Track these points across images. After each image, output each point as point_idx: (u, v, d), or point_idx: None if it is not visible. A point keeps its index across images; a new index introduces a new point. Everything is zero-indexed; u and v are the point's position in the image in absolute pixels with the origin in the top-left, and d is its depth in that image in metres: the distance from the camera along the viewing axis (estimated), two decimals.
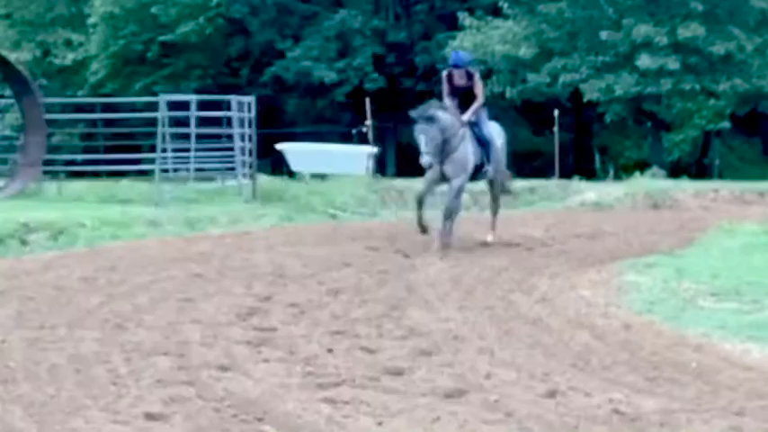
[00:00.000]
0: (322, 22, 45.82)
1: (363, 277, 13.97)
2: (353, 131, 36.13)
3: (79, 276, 13.56)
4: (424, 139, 16.10)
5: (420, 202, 16.83)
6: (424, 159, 16.13)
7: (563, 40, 41.25)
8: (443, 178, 16.76)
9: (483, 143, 17.01)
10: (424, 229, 16.89)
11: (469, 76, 17.07)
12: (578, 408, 7.75)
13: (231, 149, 28.57)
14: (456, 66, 17.09)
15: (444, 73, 17.19)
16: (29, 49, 46.76)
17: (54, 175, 28.13)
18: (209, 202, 24.83)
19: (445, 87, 17.09)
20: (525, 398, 8.00)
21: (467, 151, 16.77)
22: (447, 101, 16.96)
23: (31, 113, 26.58)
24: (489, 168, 17.28)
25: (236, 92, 32.55)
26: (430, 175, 16.69)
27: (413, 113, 16.29)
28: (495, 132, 17.62)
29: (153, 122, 27.32)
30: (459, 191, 16.93)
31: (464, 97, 16.99)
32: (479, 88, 17.01)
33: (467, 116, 16.83)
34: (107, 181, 29.02)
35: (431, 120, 16.19)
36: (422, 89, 46.81)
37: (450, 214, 16.76)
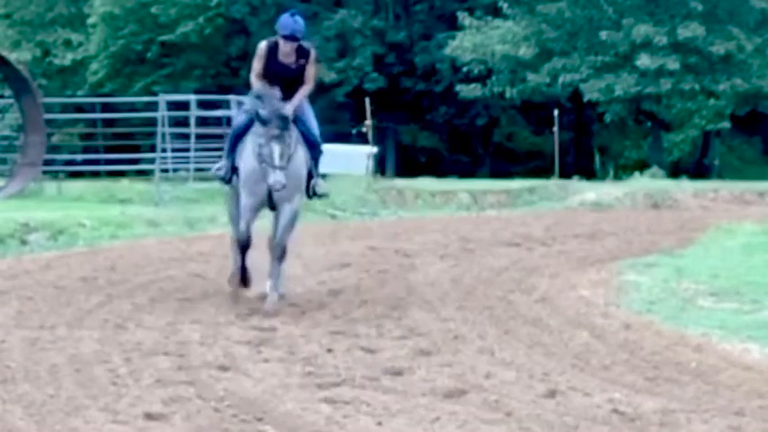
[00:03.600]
0: (322, 22, 45.83)
1: (363, 277, 13.96)
2: (353, 131, 36.13)
3: (79, 276, 13.56)
4: (279, 150, 11.10)
5: (246, 245, 11.60)
6: (278, 178, 11.04)
7: (563, 40, 41.28)
8: (268, 201, 11.60)
9: (311, 144, 11.76)
10: (245, 280, 11.91)
11: (303, 54, 11.71)
12: (578, 408, 7.75)
13: None
14: (290, 37, 11.52)
15: (265, 43, 11.81)
16: (29, 49, 46.78)
17: (54, 174, 28.16)
18: (209, 202, 24.82)
19: (259, 63, 11.77)
20: (525, 398, 8.00)
21: (301, 160, 11.58)
22: (256, 84, 11.71)
23: (31, 113, 26.59)
24: (319, 181, 11.98)
25: (236, 92, 32.57)
26: (249, 200, 11.53)
27: (260, 111, 11.27)
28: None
29: (153, 122, 27.35)
30: (295, 217, 11.77)
31: (284, 83, 11.63)
32: (312, 73, 11.75)
33: (290, 108, 11.43)
34: (107, 181, 29.03)
35: (284, 121, 11.27)
36: (422, 89, 46.84)
37: (282, 253, 11.70)
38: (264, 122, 11.19)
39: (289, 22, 11.55)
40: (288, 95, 11.50)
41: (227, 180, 11.81)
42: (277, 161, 11.03)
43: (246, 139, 11.53)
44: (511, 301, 12.38)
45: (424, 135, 48.12)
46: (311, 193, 11.83)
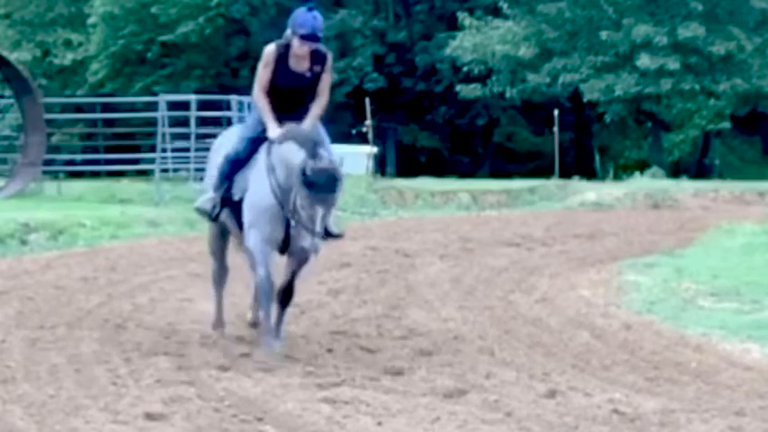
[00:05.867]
0: None
1: (363, 277, 13.96)
2: (353, 131, 36.14)
3: (79, 276, 13.56)
4: (322, 215, 8.93)
5: (272, 292, 9.50)
6: (314, 245, 9.08)
7: (563, 40, 41.29)
8: (284, 246, 9.46)
9: None
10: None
11: (318, 60, 9.59)
12: (578, 408, 7.75)
13: None
14: (310, 37, 9.47)
15: (274, 47, 9.60)
16: (29, 49, 46.78)
17: (54, 175, 28.16)
18: None
19: (266, 72, 9.56)
20: (525, 398, 8.00)
21: None
22: (259, 96, 9.60)
23: (31, 113, 26.60)
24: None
25: (236, 92, 32.56)
26: (265, 246, 9.42)
27: (307, 167, 8.88)
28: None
29: (153, 122, 27.38)
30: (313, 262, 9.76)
31: (293, 96, 9.63)
32: (327, 83, 9.68)
33: (307, 126, 9.46)
34: (107, 181, 29.04)
35: (336, 184, 8.97)
36: (422, 89, 46.85)
37: (290, 298, 9.64)
38: (312, 184, 8.83)
39: (307, 18, 9.47)
40: (297, 110, 9.55)
41: (213, 218, 9.78)
42: (318, 228, 8.92)
43: (254, 169, 9.47)
44: (511, 301, 12.38)
45: (423, 135, 48.11)
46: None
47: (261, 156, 9.49)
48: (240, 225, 9.57)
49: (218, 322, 10.28)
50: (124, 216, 20.32)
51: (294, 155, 9.04)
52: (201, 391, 7.96)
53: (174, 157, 28.22)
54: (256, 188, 9.40)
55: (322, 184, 8.86)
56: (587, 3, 40.70)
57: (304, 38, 9.43)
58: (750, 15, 40.60)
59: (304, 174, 8.87)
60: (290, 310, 9.88)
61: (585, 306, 12.07)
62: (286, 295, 9.55)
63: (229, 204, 9.63)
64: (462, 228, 21.01)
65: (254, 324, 10.01)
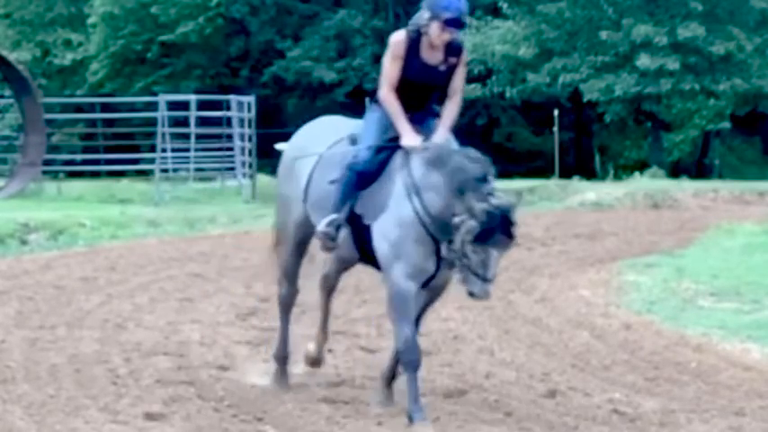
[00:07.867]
0: (322, 22, 45.84)
1: (363, 277, 13.94)
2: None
3: (79, 276, 13.56)
4: (496, 260, 7.57)
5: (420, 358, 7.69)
6: (487, 290, 7.46)
7: (563, 40, 41.27)
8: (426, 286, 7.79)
9: None
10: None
11: (453, 51, 7.82)
12: (578, 408, 7.76)
13: (231, 149, 28.65)
14: (455, 22, 7.71)
15: (404, 36, 7.83)
16: (29, 49, 46.74)
17: (54, 175, 28.17)
18: (209, 202, 24.84)
19: (395, 67, 7.79)
20: (525, 398, 8.01)
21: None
22: (388, 96, 7.80)
23: (31, 113, 26.61)
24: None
25: (236, 92, 32.53)
26: (411, 284, 7.68)
27: (478, 206, 7.51)
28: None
29: (153, 122, 27.39)
30: None
31: (420, 93, 7.91)
32: (462, 79, 7.98)
33: (442, 136, 7.79)
34: (106, 181, 29.05)
35: (509, 220, 7.74)
36: None
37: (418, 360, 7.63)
38: (485, 230, 7.45)
39: (450, 1, 7.65)
40: (421, 109, 7.91)
41: (335, 239, 7.91)
42: (491, 274, 7.43)
43: (389, 186, 7.73)
44: (511, 301, 12.38)
45: None
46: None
47: (395, 169, 7.76)
48: (359, 249, 8.00)
49: (281, 355, 8.46)
50: (124, 216, 20.33)
51: (452, 183, 7.48)
52: (201, 391, 7.96)
53: (173, 157, 28.23)
54: (397, 211, 7.66)
55: (497, 228, 7.50)
56: (587, 3, 40.68)
57: (448, 23, 7.66)
58: (750, 15, 40.59)
59: (476, 215, 7.42)
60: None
61: (585, 306, 12.07)
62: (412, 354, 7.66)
63: (351, 225, 7.89)
64: None
65: (316, 361, 8.50)
